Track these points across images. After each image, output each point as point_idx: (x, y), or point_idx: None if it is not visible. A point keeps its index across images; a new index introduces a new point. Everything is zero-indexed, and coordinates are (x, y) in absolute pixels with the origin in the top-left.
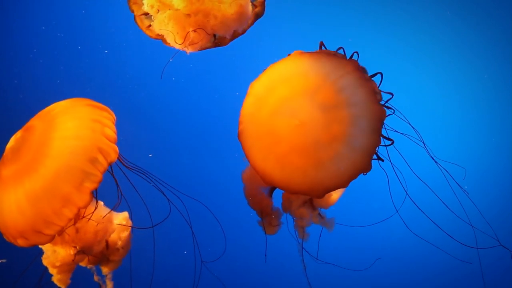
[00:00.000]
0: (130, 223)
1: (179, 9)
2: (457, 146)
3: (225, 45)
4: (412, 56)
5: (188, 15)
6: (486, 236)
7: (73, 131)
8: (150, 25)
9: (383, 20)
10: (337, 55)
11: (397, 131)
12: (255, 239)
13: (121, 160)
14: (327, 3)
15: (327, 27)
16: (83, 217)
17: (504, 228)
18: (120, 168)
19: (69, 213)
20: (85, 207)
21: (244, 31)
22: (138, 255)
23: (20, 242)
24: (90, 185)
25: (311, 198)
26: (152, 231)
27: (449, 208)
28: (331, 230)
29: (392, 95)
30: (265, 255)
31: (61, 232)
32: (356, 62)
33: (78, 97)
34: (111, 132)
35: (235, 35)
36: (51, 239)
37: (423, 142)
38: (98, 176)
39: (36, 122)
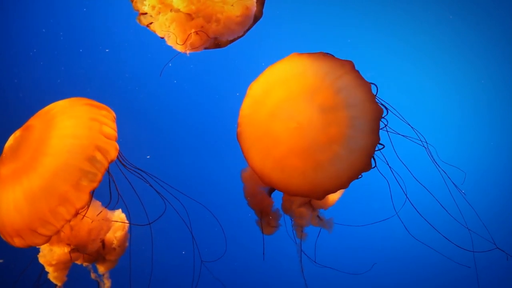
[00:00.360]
0: (125, 221)
1: (181, 10)
2: (456, 147)
3: (224, 46)
4: (412, 56)
5: (190, 16)
6: (484, 238)
7: (71, 130)
8: (151, 23)
9: (383, 20)
10: (329, 58)
11: (398, 134)
12: (255, 240)
13: (120, 160)
14: (327, 3)
15: (327, 27)
16: (77, 214)
17: (502, 229)
18: (120, 168)
19: (65, 212)
20: (83, 207)
21: (244, 34)
22: (137, 255)
23: (17, 241)
24: (88, 184)
25: (311, 199)
26: (151, 231)
27: (446, 211)
28: (331, 231)
29: (387, 110)
30: (263, 253)
31: (57, 232)
32: (351, 63)
33: (78, 96)
34: (110, 129)
35: (235, 38)
36: (47, 240)
37: (427, 142)
38: (97, 174)
39: (35, 121)
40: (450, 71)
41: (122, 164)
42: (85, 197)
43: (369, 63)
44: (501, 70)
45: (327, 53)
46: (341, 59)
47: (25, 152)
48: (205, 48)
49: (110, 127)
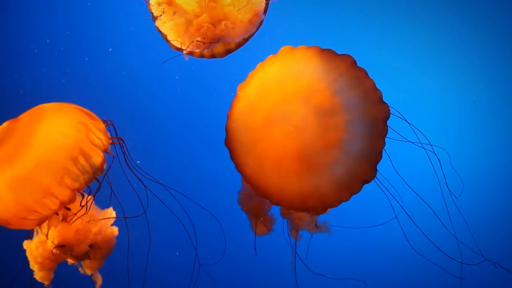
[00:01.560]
0: (112, 220)
1: (186, 10)
2: (456, 148)
3: (221, 57)
4: (412, 56)
5: (196, 17)
6: (479, 246)
7: (59, 126)
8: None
9: (383, 20)
10: (330, 52)
11: (397, 137)
12: (255, 242)
13: (126, 159)
14: (327, 3)
15: (327, 27)
16: (63, 206)
17: (500, 235)
18: (123, 169)
19: (51, 204)
20: (67, 202)
21: (245, 42)
22: (135, 255)
23: (11, 227)
24: (70, 183)
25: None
26: (149, 232)
27: (440, 221)
28: (330, 233)
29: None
30: (255, 248)
31: (46, 218)
32: (349, 58)
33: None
34: (96, 139)
35: (232, 48)
36: (37, 223)
37: (431, 145)
38: (80, 176)
39: (24, 115)
40: (450, 71)
41: (127, 163)
42: (68, 193)
43: (369, 63)
44: (502, 71)
45: (324, 48)
46: (339, 55)
47: (9, 142)
48: (201, 57)
49: (97, 137)
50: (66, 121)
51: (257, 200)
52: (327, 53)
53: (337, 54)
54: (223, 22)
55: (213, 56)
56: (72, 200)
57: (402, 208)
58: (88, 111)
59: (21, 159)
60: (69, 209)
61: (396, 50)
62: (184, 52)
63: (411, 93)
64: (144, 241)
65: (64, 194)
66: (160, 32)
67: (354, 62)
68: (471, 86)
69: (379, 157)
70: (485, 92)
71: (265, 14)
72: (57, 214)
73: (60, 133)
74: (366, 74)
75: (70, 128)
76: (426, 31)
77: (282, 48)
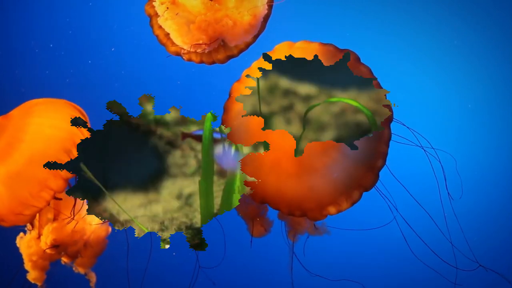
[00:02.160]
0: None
1: (186, 10)
2: (456, 150)
3: (221, 63)
4: (412, 56)
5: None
6: (477, 250)
7: (50, 120)
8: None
9: (383, 20)
10: (331, 47)
11: (406, 139)
12: (255, 243)
13: None
14: (328, 3)
15: (328, 28)
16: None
17: (498, 238)
18: None
19: (47, 196)
20: (60, 192)
21: (246, 47)
22: (134, 255)
23: (4, 224)
24: (65, 173)
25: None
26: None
27: (436, 224)
28: (330, 234)
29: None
30: (251, 241)
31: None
32: (352, 55)
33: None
34: (86, 133)
35: (234, 54)
36: (31, 218)
37: (433, 148)
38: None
39: (14, 111)
40: (450, 71)
41: None
42: (63, 183)
43: (369, 63)
44: (502, 71)
45: (325, 44)
46: (340, 52)
47: (1, 139)
48: (201, 63)
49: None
50: (57, 115)
51: (253, 205)
52: (328, 49)
53: (339, 49)
54: (224, 20)
55: (213, 62)
56: (64, 189)
57: (398, 211)
58: (78, 106)
59: (14, 154)
60: (59, 199)
61: (396, 50)
62: (183, 52)
63: (411, 93)
64: (144, 241)
65: (59, 185)
66: (157, 36)
67: (357, 58)
68: (472, 87)
69: (380, 162)
70: (486, 93)
71: (268, 18)
72: (48, 204)
73: (53, 127)
74: (370, 72)
75: (62, 122)
76: (427, 31)
77: (279, 45)
